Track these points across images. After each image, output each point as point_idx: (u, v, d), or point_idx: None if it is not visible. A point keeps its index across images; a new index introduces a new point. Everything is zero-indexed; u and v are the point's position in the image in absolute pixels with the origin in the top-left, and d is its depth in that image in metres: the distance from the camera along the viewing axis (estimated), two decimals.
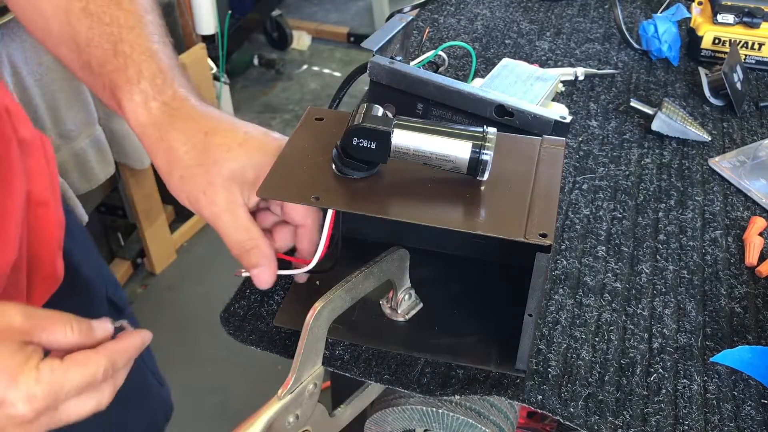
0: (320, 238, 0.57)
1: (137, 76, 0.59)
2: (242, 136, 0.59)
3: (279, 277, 0.66)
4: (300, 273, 0.62)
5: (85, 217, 1.52)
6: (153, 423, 1.11)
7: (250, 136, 0.59)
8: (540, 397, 0.57)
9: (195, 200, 0.58)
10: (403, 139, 0.53)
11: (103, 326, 0.55)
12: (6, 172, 0.70)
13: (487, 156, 0.52)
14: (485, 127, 0.53)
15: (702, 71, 0.95)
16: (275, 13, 2.99)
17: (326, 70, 3.00)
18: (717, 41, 0.98)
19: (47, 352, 0.51)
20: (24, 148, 0.75)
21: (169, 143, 0.58)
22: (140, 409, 1.08)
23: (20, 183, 0.73)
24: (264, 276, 0.59)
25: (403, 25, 0.79)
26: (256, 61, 2.96)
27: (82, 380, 0.50)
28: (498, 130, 0.54)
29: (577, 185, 0.79)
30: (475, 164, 0.53)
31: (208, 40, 2.13)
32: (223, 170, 0.57)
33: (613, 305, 0.65)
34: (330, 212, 0.56)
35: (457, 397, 0.58)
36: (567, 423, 0.56)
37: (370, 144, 0.53)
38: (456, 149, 0.52)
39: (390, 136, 0.53)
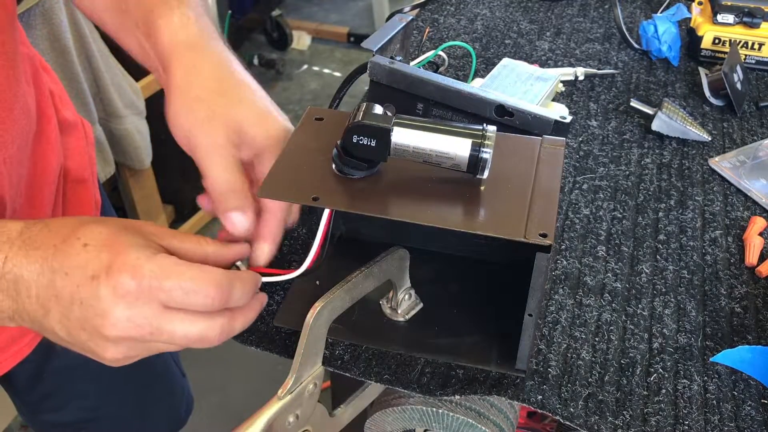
0: (315, 239, 0.57)
1: (178, 3, 0.61)
2: (261, 101, 0.58)
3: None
4: (291, 277, 0.59)
5: None
6: (176, 413, 1.12)
7: (268, 107, 0.59)
8: (540, 397, 0.57)
9: (197, 124, 0.56)
10: (403, 136, 0.53)
11: (239, 246, 0.54)
12: (45, 147, 0.73)
13: (487, 153, 0.52)
14: (485, 124, 0.53)
15: (702, 71, 0.96)
16: (275, 13, 2.99)
17: (326, 70, 3.00)
18: (717, 41, 0.98)
19: None
20: (64, 128, 0.80)
21: (200, 63, 0.58)
22: (165, 397, 1.09)
23: (57, 159, 0.76)
24: (244, 220, 0.55)
25: (403, 25, 0.79)
26: (256, 61, 2.96)
27: (191, 280, 0.48)
28: (498, 130, 0.54)
29: (577, 185, 0.79)
30: (475, 161, 0.53)
31: None
32: (240, 111, 0.56)
33: (613, 305, 0.65)
34: (326, 212, 0.55)
35: (457, 397, 0.58)
36: (567, 423, 0.56)
37: (370, 141, 0.53)
38: (456, 147, 0.52)
39: (390, 133, 0.53)
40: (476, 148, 0.52)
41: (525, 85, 0.84)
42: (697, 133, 0.85)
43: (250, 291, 0.52)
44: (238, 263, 0.56)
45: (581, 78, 0.95)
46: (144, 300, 0.47)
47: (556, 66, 0.99)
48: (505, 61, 0.89)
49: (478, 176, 0.54)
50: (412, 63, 0.82)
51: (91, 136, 0.86)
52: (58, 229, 0.49)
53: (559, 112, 0.70)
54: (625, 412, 0.57)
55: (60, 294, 0.48)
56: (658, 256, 0.70)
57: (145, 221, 0.52)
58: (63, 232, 0.49)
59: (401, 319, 0.64)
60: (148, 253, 0.48)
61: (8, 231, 0.50)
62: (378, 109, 0.54)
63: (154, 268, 0.47)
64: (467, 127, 0.53)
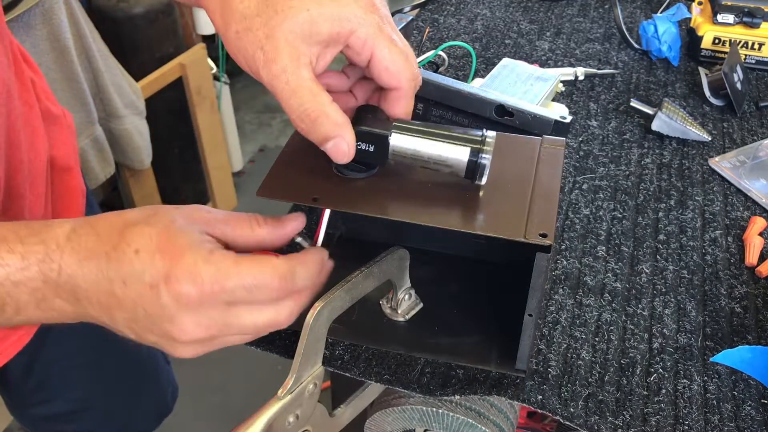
0: (317, 234, 0.57)
1: None
2: None
3: None
4: None
5: None
6: (163, 399, 1.12)
7: None
8: (540, 397, 0.57)
9: (251, 59, 0.50)
10: (401, 142, 0.53)
11: (296, 217, 0.52)
12: (31, 135, 0.73)
13: (486, 161, 0.52)
14: (484, 130, 0.53)
15: (702, 71, 0.96)
16: None
17: None
18: (717, 41, 0.98)
19: None
20: (47, 117, 0.80)
21: None
22: (151, 384, 1.10)
23: (43, 146, 0.76)
24: (341, 147, 0.51)
25: (403, 25, 0.79)
26: None
27: (253, 277, 0.47)
28: (498, 130, 0.54)
29: (577, 185, 0.79)
30: (474, 168, 0.52)
31: (208, 40, 2.13)
32: (286, 22, 0.49)
33: (613, 305, 0.65)
34: (327, 212, 0.55)
35: (457, 397, 0.58)
36: (567, 423, 0.56)
37: (369, 147, 0.53)
38: (454, 154, 0.52)
39: (388, 139, 0.52)
40: (475, 154, 0.52)
41: (525, 85, 0.84)
42: (697, 133, 0.85)
43: (314, 270, 0.51)
44: (298, 239, 0.54)
45: (581, 78, 0.95)
46: (208, 304, 0.47)
47: (556, 66, 0.99)
48: (505, 61, 0.89)
49: (476, 182, 0.53)
50: None
51: (72, 126, 0.86)
52: (106, 234, 0.48)
53: (559, 112, 0.70)
54: (625, 412, 0.57)
55: (122, 302, 0.47)
56: (658, 256, 0.70)
57: (194, 206, 0.50)
58: (112, 238, 0.47)
59: (401, 319, 0.64)
60: (204, 254, 0.47)
61: (56, 237, 0.48)
62: (377, 112, 0.54)
63: (212, 272, 0.46)
64: (467, 132, 0.53)
